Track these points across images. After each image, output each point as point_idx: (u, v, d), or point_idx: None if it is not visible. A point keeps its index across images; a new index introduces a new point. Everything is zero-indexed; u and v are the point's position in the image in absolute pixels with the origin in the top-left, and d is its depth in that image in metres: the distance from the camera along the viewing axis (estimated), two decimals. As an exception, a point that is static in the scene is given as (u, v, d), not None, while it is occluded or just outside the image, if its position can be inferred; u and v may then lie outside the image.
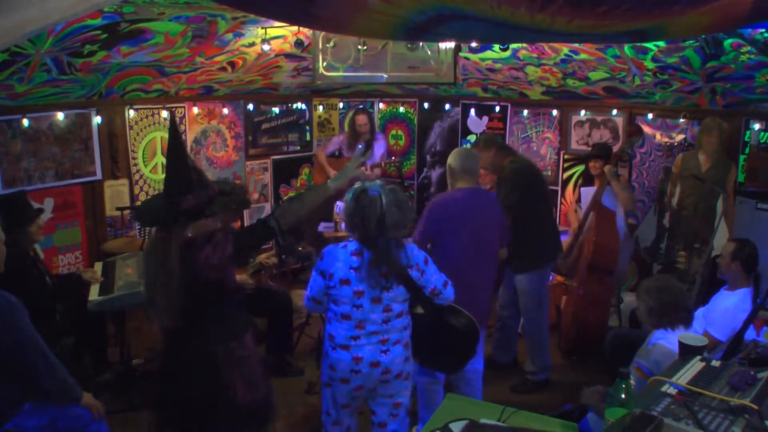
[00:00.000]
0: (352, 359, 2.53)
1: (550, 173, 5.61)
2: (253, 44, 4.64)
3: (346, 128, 6.49)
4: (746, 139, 4.46)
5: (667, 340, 2.67)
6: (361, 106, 6.42)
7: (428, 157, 6.51)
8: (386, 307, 2.53)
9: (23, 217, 3.62)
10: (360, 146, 5.71)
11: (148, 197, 2.36)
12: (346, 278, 2.51)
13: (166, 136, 5.12)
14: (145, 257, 2.43)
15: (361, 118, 5.74)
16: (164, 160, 5.12)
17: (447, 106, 6.22)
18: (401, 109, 6.62)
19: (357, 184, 2.58)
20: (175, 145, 2.36)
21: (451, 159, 3.32)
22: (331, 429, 2.75)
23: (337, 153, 5.98)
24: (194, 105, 5.31)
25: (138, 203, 4.92)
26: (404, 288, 2.54)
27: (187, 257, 2.26)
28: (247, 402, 2.37)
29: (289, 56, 5.16)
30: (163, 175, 5.05)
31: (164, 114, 5.05)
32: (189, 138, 5.29)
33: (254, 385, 2.40)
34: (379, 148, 5.84)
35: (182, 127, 5.23)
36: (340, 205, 5.13)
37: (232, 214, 2.55)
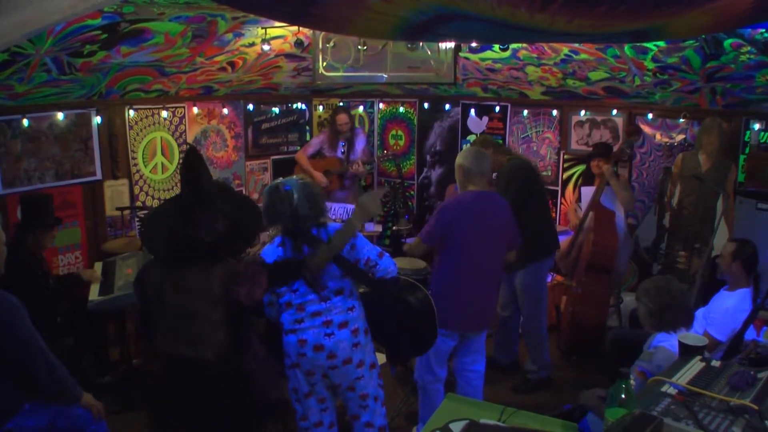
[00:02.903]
0: (297, 342, 2.63)
1: (550, 173, 5.61)
2: (253, 44, 4.64)
3: (324, 127, 6.30)
4: (746, 139, 4.46)
5: (669, 343, 2.66)
6: (341, 104, 6.26)
7: (428, 157, 6.51)
8: (321, 285, 2.62)
9: (43, 222, 3.62)
10: (342, 144, 5.69)
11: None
12: None
13: (166, 136, 5.12)
14: (168, 294, 2.44)
15: (342, 117, 5.61)
16: (164, 160, 5.14)
17: (447, 106, 6.21)
18: (401, 109, 6.61)
19: (274, 180, 2.73)
20: (195, 189, 2.46)
21: (464, 159, 3.27)
22: (300, 425, 2.80)
23: (318, 151, 5.86)
24: (194, 105, 5.30)
25: (138, 203, 4.92)
26: (333, 263, 2.61)
27: (226, 291, 2.37)
28: (262, 405, 2.46)
29: (289, 56, 5.16)
30: (163, 176, 5.10)
31: (164, 114, 5.05)
32: (189, 138, 5.28)
33: (267, 392, 2.49)
34: (359, 143, 5.77)
35: (182, 127, 5.23)
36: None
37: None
